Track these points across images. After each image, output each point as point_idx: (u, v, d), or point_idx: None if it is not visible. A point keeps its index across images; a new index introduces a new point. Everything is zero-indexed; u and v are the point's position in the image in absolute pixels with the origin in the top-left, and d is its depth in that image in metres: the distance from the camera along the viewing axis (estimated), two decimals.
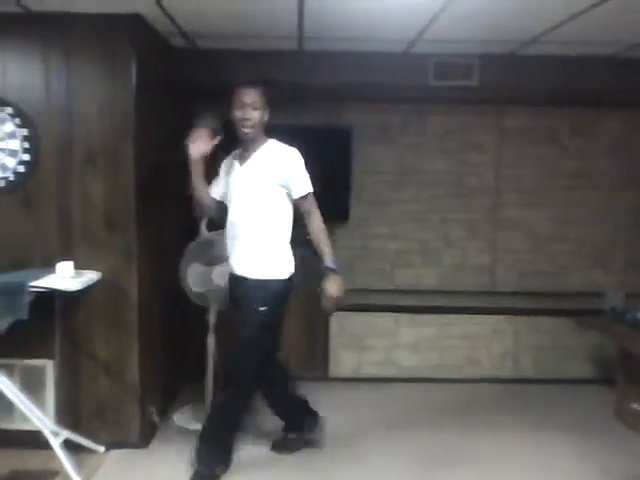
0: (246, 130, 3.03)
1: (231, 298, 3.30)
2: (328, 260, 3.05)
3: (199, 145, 3.08)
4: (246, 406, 3.38)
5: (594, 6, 3.05)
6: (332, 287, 3.03)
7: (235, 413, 3.23)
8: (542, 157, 4.98)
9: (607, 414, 4.11)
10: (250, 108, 3.00)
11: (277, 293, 3.12)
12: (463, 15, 3.27)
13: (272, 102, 3.09)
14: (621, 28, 3.52)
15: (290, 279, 3.17)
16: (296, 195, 3.08)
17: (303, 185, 3.08)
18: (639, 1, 2.93)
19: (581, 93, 4.42)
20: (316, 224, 3.09)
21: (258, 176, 3.07)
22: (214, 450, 3.19)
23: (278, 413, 3.53)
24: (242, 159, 3.15)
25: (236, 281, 3.20)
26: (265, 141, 3.12)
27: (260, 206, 3.08)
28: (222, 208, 3.25)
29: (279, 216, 3.12)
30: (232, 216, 3.15)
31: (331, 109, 4.77)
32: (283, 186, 3.07)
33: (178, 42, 3.96)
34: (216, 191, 3.26)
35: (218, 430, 3.20)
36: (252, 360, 3.13)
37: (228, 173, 3.21)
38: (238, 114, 3.01)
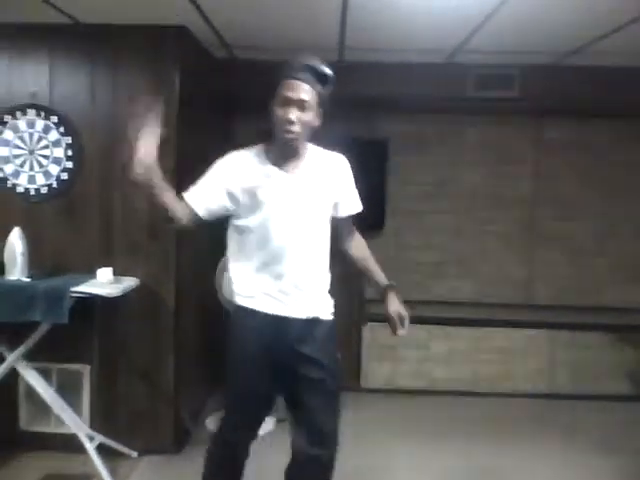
0: (288, 135, 2.27)
1: (277, 347, 2.37)
2: (384, 278, 2.59)
3: (146, 146, 2.14)
4: None
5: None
6: (400, 306, 2.50)
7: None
8: (582, 169, 4.89)
9: None
10: (296, 107, 2.25)
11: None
12: (506, 25, 3.24)
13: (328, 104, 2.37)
14: None
15: None
16: (346, 212, 2.50)
17: (356, 201, 2.53)
18: None
19: (623, 104, 4.35)
20: (363, 243, 2.60)
21: (316, 190, 2.39)
22: None
23: None
24: (285, 166, 2.36)
25: (295, 325, 2.37)
26: (307, 147, 2.42)
27: (320, 228, 2.42)
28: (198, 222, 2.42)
29: (327, 239, 2.48)
30: (278, 240, 2.33)
31: (368, 120, 4.75)
32: (336, 202, 2.46)
33: (220, 53, 4.00)
34: (201, 203, 2.37)
35: None
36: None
37: (251, 180, 2.35)
38: (279, 112, 2.26)
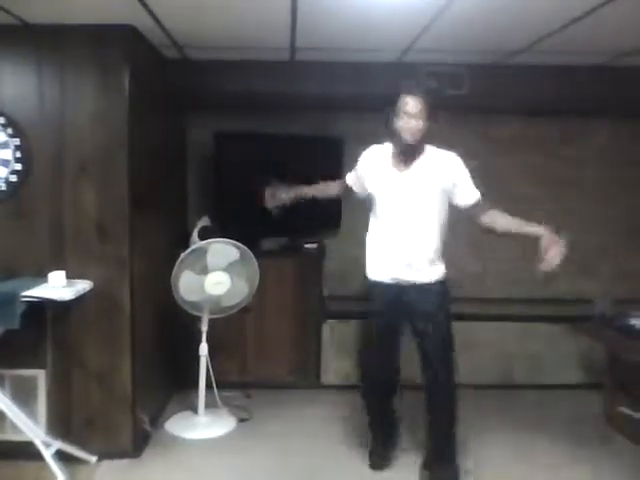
0: (409, 141, 2.96)
1: (402, 305, 3.17)
2: (533, 227, 3.13)
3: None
4: None
5: (584, 16, 3.09)
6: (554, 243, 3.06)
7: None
8: (530, 165, 5.02)
9: (596, 419, 4.15)
10: (413, 118, 2.91)
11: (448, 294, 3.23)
12: (454, 25, 3.30)
13: (436, 111, 2.96)
14: (609, 38, 3.58)
15: None
16: (465, 202, 3.08)
17: (472, 191, 3.08)
18: (626, 12, 2.98)
19: (570, 102, 4.47)
20: (495, 212, 3.13)
21: (424, 184, 3.03)
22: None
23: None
24: (401, 166, 3.07)
25: (409, 289, 3.13)
26: (425, 149, 3.07)
27: (427, 214, 3.06)
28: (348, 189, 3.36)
29: (443, 221, 3.14)
30: (392, 224, 3.10)
31: (322, 119, 4.80)
32: (448, 192, 3.06)
33: (171, 53, 3.99)
34: (356, 184, 3.31)
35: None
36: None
37: (374, 173, 3.16)
38: (401, 123, 2.94)
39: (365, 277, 3.27)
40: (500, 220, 3.10)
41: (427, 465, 3.35)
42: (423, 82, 2.98)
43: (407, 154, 3.04)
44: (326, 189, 3.47)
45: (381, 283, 3.19)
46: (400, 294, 3.15)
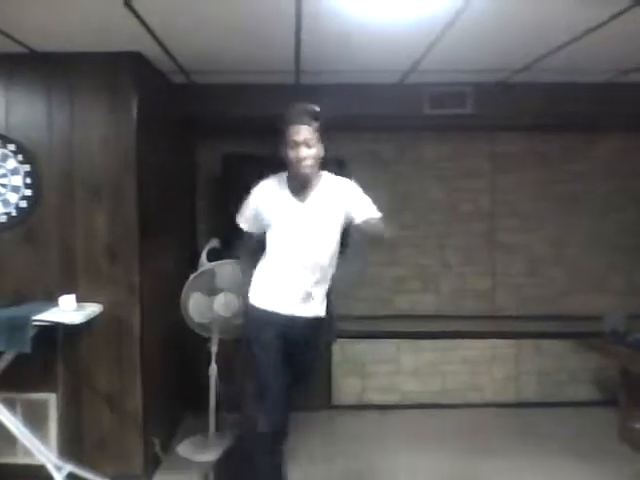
0: (304, 170, 2.82)
1: (289, 339, 2.93)
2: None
3: None
4: None
5: (584, 34, 3.13)
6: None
7: None
8: (536, 182, 5.04)
9: (611, 436, 4.10)
10: (304, 146, 2.79)
11: None
12: (456, 45, 3.34)
13: (325, 135, 2.89)
14: (611, 56, 3.62)
15: None
16: (362, 218, 2.87)
17: (370, 208, 2.91)
18: (629, 29, 3.02)
19: (573, 118, 4.50)
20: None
21: (326, 213, 2.90)
22: None
23: None
24: (299, 194, 2.91)
25: (302, 323, 2.94)
26: (320, 175, 2.95)
27: (330, 244, 2.93)
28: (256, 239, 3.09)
29: (334, 253, 2.98)
30: (294, 255, 2.88)
31: (327, 139, 4.82)
32: (347, 217, 2.91)
33: (178, 79, 4.05)
34: (250, 225, 3.07)
35: None
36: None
37: (273, 205, 2.94)
38: (292, 154, 2.81)
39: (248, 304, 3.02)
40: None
41: None
42: (307, 108, 2.82)
43: (302, 182, 2.90)
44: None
45: (271, 313, 2.94)
46: (290, 327, 2.92)
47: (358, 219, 2.89)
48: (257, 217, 3.00)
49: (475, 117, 4.41)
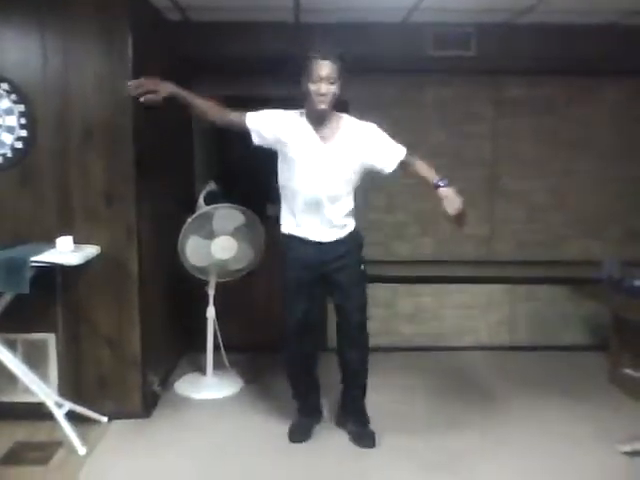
0: (321, 105, 2.93)
1: (323, 260, 3.17)
2: (434, 176, 3.06)
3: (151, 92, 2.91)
4: None
5: None
6: (455, 202, 3.04)
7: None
8: (539, 127, 4.95)
9: (602, 379, 4.18)
10: (327, 82, 2.89)
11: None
12: None
13: (346, 77, 2.98)
14: None
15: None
16: (391, 167, 3.10)
17: (396, 154, 3.09)
18: None
19: (578, 61, 4.40)
20: (422, 164, 3.13)
21: (347, 161, 3.05)
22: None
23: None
24: (322, 135, 3.03)
25: (329, 245, 3.16)
26: (340, 117, 3.07)
27: (348, 187, 3.12)
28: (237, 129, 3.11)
29: (350, 192, 3.18)
30: (312, 191, 3.05)
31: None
32: (370, 165, 3.10)
33: (173, 15, 3.94)
34: (259, 138, 3.08)
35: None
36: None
37: (297, 139, 3.03)
38: (313, 88, 2.90)
39: (282, 233, 3.23)
40: (418, 169, 3.11)
41: (342, 421, 3.47)
42: (334, 48, 2.92)
43: (320, 120, 3.02)
44: (211, 111, 3.07)
45: (301, 239, 3.17)
46: (318, 248, 3.16)
47: (388, 169, 3.09)
48: (275, 138, 3.06)
49: (479, 59, 4.32)
